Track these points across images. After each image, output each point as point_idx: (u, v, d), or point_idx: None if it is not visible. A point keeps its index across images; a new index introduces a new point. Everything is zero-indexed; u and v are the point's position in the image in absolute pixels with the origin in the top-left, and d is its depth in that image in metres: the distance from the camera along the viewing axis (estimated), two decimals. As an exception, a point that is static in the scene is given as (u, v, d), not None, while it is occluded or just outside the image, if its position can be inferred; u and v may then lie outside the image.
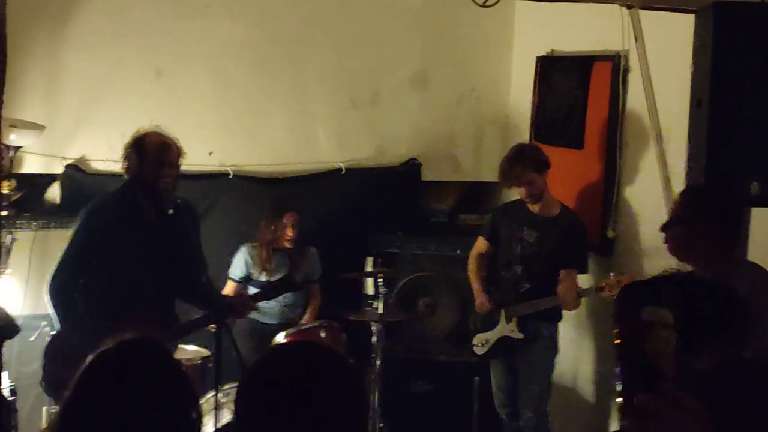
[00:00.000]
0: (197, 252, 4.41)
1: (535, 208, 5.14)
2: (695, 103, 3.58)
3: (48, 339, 4.39)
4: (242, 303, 4.61)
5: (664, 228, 3.52)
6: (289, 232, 5.56)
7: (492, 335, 5.22)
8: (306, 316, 5.68)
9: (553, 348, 5.21)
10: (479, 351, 5.29)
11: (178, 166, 4.40)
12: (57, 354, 4.26)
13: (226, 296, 4.67)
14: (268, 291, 4.89)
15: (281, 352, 2.33)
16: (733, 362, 2.09)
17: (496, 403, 5.37)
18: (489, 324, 5.24)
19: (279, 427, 1.89)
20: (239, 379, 2.10)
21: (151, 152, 4.31)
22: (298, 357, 2.04)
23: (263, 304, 5.58)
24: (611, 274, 4.75)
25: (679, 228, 3.49)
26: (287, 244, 5.58)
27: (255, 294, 4.97)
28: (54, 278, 4.26)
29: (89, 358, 2.16)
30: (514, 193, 5.31)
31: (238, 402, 2.01)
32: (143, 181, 4.31)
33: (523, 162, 5.05)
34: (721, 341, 2.16)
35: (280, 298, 5.56)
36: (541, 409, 5.17)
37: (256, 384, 1.99)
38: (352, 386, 1.99)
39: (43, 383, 4.36)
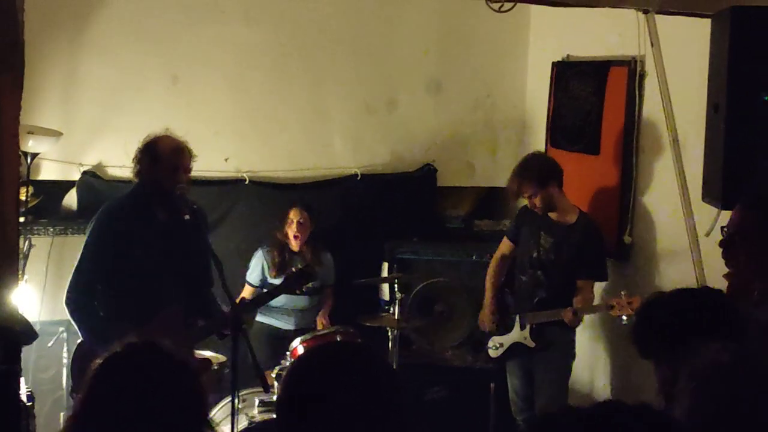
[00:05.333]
0: (210, 260, 4.28)
1: (552, 214, 5.13)
2: (712, 108, 3.58)
3: (75, 347, 4.38)
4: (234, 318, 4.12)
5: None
6: (294, 228, 5.53)
7: (506, 340, 5.21)
8: (319, 319, 5.67)
9: (569, 354, 5.19)
10: (493, 354, 5.29)
11: (190, 170, 4.39)
12: (84, 361, 4.26)
13: (223, 310, 4.49)
14: (289, 283, 4.69)
15: (326, 349, 2.31)
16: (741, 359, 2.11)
17: (513, 409, 5.35)
18: (504, 328, 5.23)
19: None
20: (285, 374, 2.07)
21: (166, 157, 4.30)
22: (340, 356, 2.04)
23: (279, 312, 5.60)
24: (622, 293, 4.71)
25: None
26: (294, 241, 5.55)
27: (276, 287, 4.83)
28: (72, 287, 4.25)
29: (95, 363, 2.19)
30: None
31: (283, 399, 2.01)
32: (158, 186, 4.31)
33: (524, 176, 5.06)
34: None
35: (297, 303, 5.57)
36: (558, 415, 5.13)
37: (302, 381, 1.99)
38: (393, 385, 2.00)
39: (73, 394, 4.36)
